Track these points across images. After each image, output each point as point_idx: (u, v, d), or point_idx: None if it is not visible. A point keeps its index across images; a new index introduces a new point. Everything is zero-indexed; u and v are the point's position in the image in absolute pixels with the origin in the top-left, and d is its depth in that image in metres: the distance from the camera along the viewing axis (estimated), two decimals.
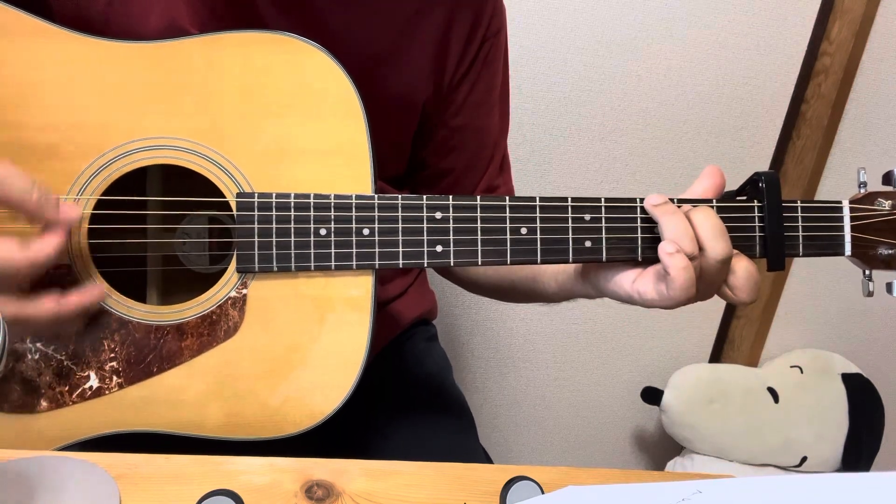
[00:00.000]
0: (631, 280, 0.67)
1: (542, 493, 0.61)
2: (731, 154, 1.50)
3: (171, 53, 0.65)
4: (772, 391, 1.55)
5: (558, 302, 0.81)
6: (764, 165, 1.53)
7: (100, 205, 0.64)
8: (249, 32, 0.65)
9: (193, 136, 0.65)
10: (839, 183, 1.54)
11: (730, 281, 0.65)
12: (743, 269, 0.64)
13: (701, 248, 0.62)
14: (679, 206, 0.65)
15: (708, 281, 0.64)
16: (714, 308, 1.66)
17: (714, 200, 0.68)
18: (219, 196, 0.65)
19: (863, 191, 0.70)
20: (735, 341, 1.67)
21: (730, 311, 1.67)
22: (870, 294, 0.69)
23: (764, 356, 1.68)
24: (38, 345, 0.65)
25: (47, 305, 0.59)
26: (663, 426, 1.59)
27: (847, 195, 0.69)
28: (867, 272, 0.70)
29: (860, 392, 1.58)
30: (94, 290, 0.62)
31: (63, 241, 0.59)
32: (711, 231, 0.62)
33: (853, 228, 0.69)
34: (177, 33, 0.66)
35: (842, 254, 0.69)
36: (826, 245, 0.69)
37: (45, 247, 0.58)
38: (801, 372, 1.58)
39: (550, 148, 1.43)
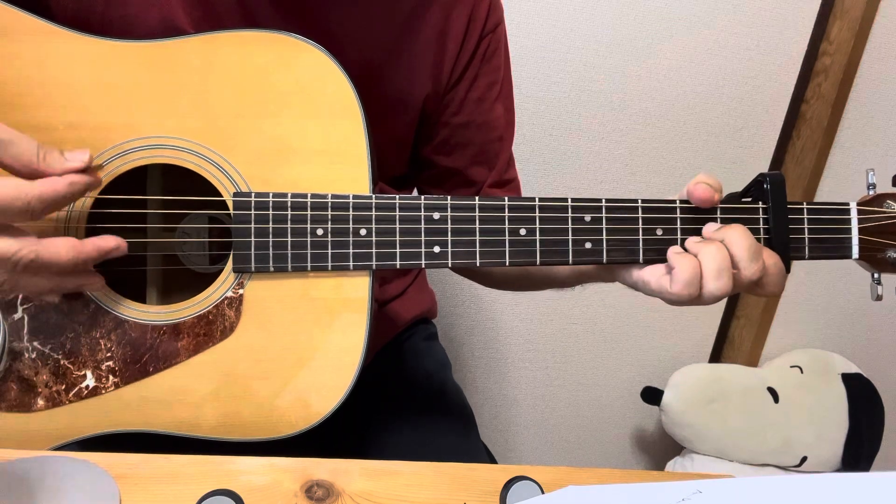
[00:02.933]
0: (639, 267, 0.67)
1: (542, 493, 0.60)
2: (731, 154, 1.49)
3: (169, 53, 0.65)
4: (772, 391, 1.55)
5: (571, 287, 0.81)
6: (764, 165, 1.53)
7: (98, 204, 0.64)
8: (247, 31, 0.65)
9: (191, 136, 0.64)
10: (839, 183, 1.54)
11: (759, 292, 0.65)
12: (773, 266, 0.64)
13: (736, 267, 0.63)
14: (684, 210, 0.66)
15: (735, 289, 0.64)
16: (714, 308, 1.66)
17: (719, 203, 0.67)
18: (217, 196, 0.65)
19: (871, 192, 0.69)
20: (735, 341, 1.66)
21: (730, 311, 1.67)
22: (878, 298, 0.68)
23: (764, 356, 1.68)
24: (35, 343, 0.65)
25: (66, 246, 0.56)
26: (663, 426, 1.59)
27: (847, 195, 0.69)
28: (876, 275, 0.69)
29: (860, 392, 1.57)
30: (111, 240, 0.59)
31: (72, 184, 0.56)
32: (748, 252, 0.62)
33: (861, 231, 0.68)
34: (175, 33, 0.66)
35: (849, 256, 0.68)
36: (833, 248, 0.68)
37: (55, 183, 0.55)
38: (801, 372, 1.58)
39: (550, 148, 1.43)
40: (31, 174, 0.56)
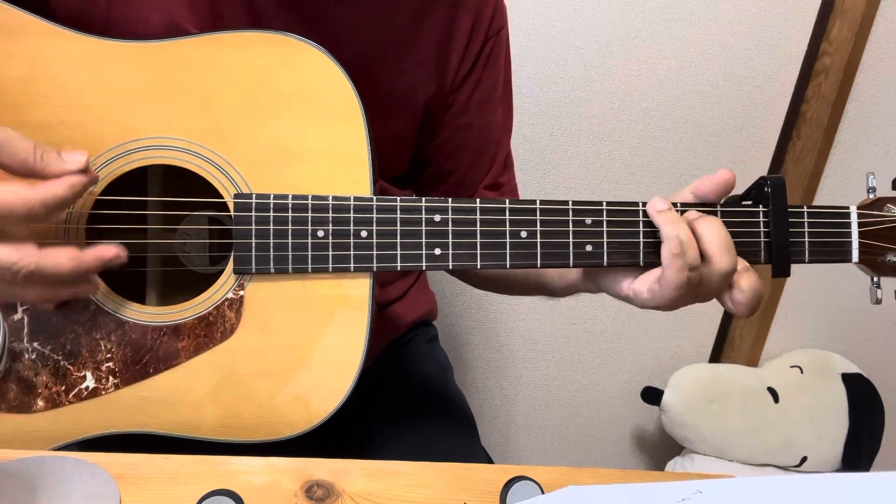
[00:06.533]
0: (630, 280, 0.67)
1: (542, 493, 0.60)
2: (731, 154, 1.49)
3: (171, 53, 0.64)
4: (772, 391, 1.55)
5: (562, 296, 0.81)
6: (764, 165, 1.53)
7: (98, 205, 0.64)
8: (248, 32, 0.65)
9: (192, 137, 0.64)
10: (839, 183, 1.53)
11: (734, 296, 0.65)
12: (749, 288, 0.64)
13: (706, 259, 0.63)
14: (683, 213, 0.65)
15: (707, 289, 0.64)
16: (714, 308, 1.65)
17: (718, 205, 0.67)
18: (218, 197, 0.65)
19: (871, 196, 0.69)
20: (735, 341, 1.66)
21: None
22: (878, 301, 0.68)
23: (764, 356, 1.68)
24: (35, 344, 0.65)
25: (67, 256, 0.56)
26: (663, 426, 1.59)
27: (847, 196, 0.69)
28: (875, 279, 0.69)
29: (860, 392, 1.57)
30: (111, 250, 0.58)
31: (73, 186, 0.55)
32: (718, 244, 0.62)
33: (861, 235, 0.68)
34: (178, 33, 0.65)
35: (849, 260, 0.68)
36: (833, 251, 0.68)
37: (57, 187, 0.55)
38: (801, 372, 1.58)
39: (550, 148, 1.43)
40: (28, 174, 0.55)
